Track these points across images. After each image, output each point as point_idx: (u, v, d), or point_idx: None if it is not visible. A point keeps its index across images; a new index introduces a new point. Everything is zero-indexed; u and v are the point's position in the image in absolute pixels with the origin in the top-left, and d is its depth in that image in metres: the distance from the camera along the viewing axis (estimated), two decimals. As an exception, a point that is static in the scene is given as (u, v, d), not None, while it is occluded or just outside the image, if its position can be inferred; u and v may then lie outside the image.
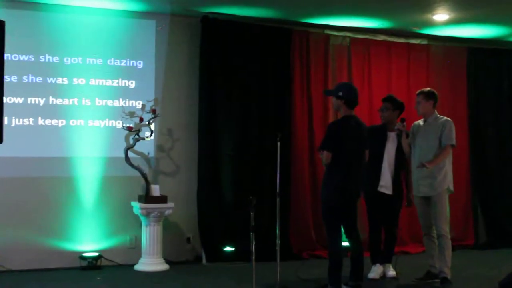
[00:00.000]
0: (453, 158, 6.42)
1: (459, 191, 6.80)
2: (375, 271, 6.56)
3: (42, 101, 7.07)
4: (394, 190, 6.55)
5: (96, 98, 7.28)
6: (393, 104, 6.66)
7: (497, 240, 8.86)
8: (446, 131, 6.23)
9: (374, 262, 6.62)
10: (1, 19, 4.32)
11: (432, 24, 8.02)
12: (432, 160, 6.15)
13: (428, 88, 6.57)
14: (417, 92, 6.52)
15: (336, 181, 5.65)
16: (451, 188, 6.34)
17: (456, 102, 8.92)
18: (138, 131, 7.09)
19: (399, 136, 6.50)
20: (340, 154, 5.64)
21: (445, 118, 6.37)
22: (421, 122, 6.46)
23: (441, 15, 7.58)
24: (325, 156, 5.67)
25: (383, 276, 6.64)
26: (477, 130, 9.02)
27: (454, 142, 6.26)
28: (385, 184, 6.54)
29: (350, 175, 5.68)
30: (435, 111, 6.39)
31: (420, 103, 6.40)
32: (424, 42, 8.79)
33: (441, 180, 6.19)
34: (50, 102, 7.10)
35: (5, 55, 4.41)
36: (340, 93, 5.79)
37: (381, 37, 8.54)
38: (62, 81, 7.15)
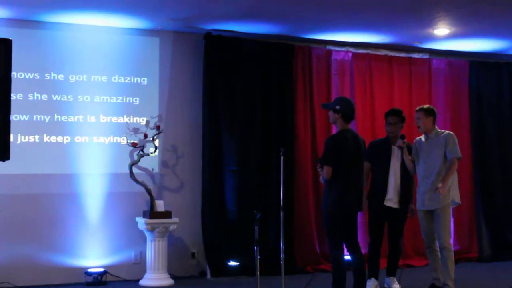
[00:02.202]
0: (457, 171, 6.43)
1: (463, 204, 6.80)
2: (370, 286, 6.45)
3: (47, 118, 7.13)
4: (400, 204, 6.57)
5: (101, 115, 7.35)
6: (400, 118, 6.72)
7: (501, 253, 8.86)
8: (450, 145, 6.25)
9: (370, 276, 6.52)
10: (8, 38, 4.41)
11: (433, 38, 8.08)
12: (443, 180, 6.16)
13: (427, 105, 6.62)
14: (417, 108, 6.53)
15: (336, 194, 5.69)
16: (457, 200, 6.37)
17: (458, 115, 8.95)
18: (142, 147, 7.13)
19: (401, 152, 6.54)
20: (339, 168, 5.69)
21: (447, 131, 6.43)
22: (422, 137, 6.48)
23: (442, 30, 7.64)
24: (325, 171, 5.70)
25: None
26: (480, 143, 9.02)
27: (459, 154, 6.30)
28: (391, 198, 6.56)
29: (349, 187, 5.73)
30: (435, 126, 6.42)
31: (420, 119, 6.42)
32: (426, 56, 8.85)
33: (445, 193, 6.21)
34: (55, 119, 7.16)
35: (11, 73, 4.48)
36: (338, 107, 5.85)
37: (382, 52, 8.60)
38: (67, 98, 7.21)
